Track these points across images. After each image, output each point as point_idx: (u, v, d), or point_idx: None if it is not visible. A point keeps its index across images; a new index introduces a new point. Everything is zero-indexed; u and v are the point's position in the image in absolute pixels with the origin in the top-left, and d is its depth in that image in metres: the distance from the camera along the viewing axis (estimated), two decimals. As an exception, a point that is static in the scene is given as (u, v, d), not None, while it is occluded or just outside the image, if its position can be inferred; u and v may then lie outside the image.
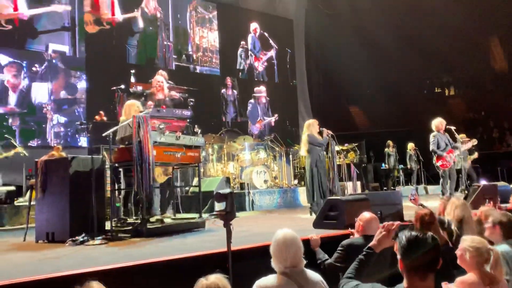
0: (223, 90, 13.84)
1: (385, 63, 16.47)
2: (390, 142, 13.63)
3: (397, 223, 2.39)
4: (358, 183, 10.16)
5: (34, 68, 10.21)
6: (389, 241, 2.37)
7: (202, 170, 8.38)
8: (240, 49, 14.48)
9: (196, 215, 5.76)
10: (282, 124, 15.08)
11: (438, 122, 7.81)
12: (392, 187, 12.60)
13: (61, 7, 10.66)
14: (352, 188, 9.42)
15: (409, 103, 17.15)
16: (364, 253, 2.43)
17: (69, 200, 4.82)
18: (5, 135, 9.16)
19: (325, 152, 6.87)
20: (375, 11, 15.29)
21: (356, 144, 11.96)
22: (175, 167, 6.17)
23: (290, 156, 11.16)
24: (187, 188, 8.83)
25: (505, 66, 17.45)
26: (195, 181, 8.45)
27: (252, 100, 14.40)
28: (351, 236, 3.80)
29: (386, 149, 13.58)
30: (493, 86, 16.88)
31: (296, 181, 10.95)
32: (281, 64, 15.59)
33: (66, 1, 10.82)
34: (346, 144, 11.48)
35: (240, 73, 14.48)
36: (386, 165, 13.37)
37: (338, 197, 5.56)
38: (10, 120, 9.81)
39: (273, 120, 14.77)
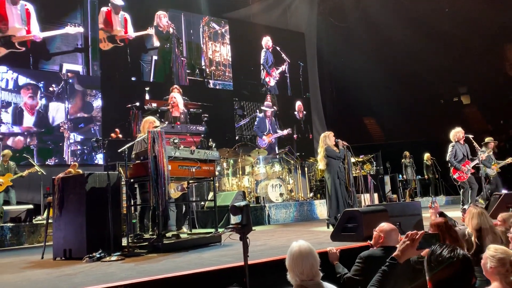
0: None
1: (399, 72, 16.38)
2: (406, 153, 13.48)
3: (421, 232, 2.31)
4: (376, 195, 10.00)
5: (51, 88, 10.41)
6: (413, 251, 2.30)
7: (217, 184, 8.36)
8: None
9: (212, 230, 5.72)
10: (296, 138, 15.08)
11: (456, 132, 7.70)
12: (410, 198, 12.40)
13: (74, 29, 10.85)
14: (369, 200, 9.28)
15: (425, 112, 16.98)
16: (387, 264, 2.35)
17: (85, 217, 4.82)
18: (24, 154, 9.34)
19: (342, 163, 6.80)
20: (387, 21, 15.26)
21: (371, 156, 11.82)
22: (190, 181, 6.16)
23: (306, 169, 11.06)
24: (202, 203, 8.81)
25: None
26: (210, 195, 8.43)
27: (260, 114, 14.40)
28: (371, 249, 3.71)
29: (403, 160, 13.43)
30: (510, 93, 16.58)
31: (312, 194, 10.84)
32: (293, 77, 15.62)
33: (79, 22, 11.04)
34: (361, 156, 11.36)
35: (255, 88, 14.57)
36: (403, 176, 13.19)
37: (356, 209, 5.46)
38: (28, 140, 9.97)
39: (285, 133, 14.73)
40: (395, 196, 11.63)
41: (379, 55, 15.99)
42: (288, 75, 15.46)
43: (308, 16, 16.45)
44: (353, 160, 7.67)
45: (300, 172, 10.85)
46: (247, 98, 14.26)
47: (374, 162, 11.77)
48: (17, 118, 9.90)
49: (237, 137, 13.57)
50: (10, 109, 9.83)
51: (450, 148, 7.65)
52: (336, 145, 6.79)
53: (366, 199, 9.18)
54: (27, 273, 4.22)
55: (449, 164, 7.64)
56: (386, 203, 9.06)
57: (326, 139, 6.82)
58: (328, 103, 17.23)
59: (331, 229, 5.82)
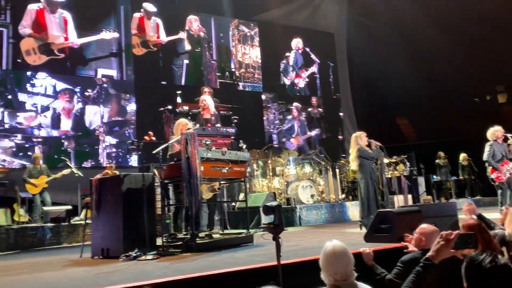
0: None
1: (432, 71, 15.98)
2: (441, 153, 13.14)
3: (456, 232, 2.26)
4: (409, 196, 9.80)
5: (86, 93, 10.76)
6: (448, 251, 2.25)
7: (247, 185, 8.41)
8: (282, 66, 14.63)
9: (244, 231, 5.76)
10: (328, 138, 15.03)
11: (494, 131, 7.44)
12: (445, 200, 12.09)
13: (109, 34, 11.16)
14: (403, 201, 9.11)
15: (459, 111, 16.49)
16: (421, 264, 2.31)
17: (122, 217, 4.95)
18: (62, 157, 9.68)
19: (374, 164, 6.68)
20: (419, 19, 14.94)
21: (405, 156, 11.56)
22: (221, 182, 6.23)
23: (337, 170, 10.95)
24: (233, 204, 8.88)
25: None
26: (241, 196, 8.49)
27: (289, 116, 14.40)
28: (405, 250, 3.65)
29: (437, 161, 13.10)
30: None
31: (343, 196, 10.72)
32: (323, 78, 15.52)
33: (113, 28, 11.34)
34: (394, 157, 11.14)
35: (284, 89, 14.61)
36: (438, 177, 12.86)
37: (390, 210, 5.39)
38: (65, 143, 10.33)
39: (313, 134, 14.66)
40: (429, 197, 11.36)
41: (411, 54, 15.64)
42: (318, 75, 15.39)
43: (337, 16, 16.30)
44: (386, 161, 7.52)
45: (331, 173, 10.75)
46: (292, 101, 14.39)
47: (408, 163, 11.52)
48: (55, 123, 10.28)
49: (283, 139, 13.80)
50: (48, 114, 10.22)
51: (487, 148, 7.39)
52: (369, 145, 6.68)
53: (400, 200, 9.03)
54: (67, 270, 4.39)
55: (487, 164, 7.38)
56: (420, 204, 8.87)
57: (358, 140, 6.70)
58: (358, 103, 17.00)
59: (364, 230, 5.75)
